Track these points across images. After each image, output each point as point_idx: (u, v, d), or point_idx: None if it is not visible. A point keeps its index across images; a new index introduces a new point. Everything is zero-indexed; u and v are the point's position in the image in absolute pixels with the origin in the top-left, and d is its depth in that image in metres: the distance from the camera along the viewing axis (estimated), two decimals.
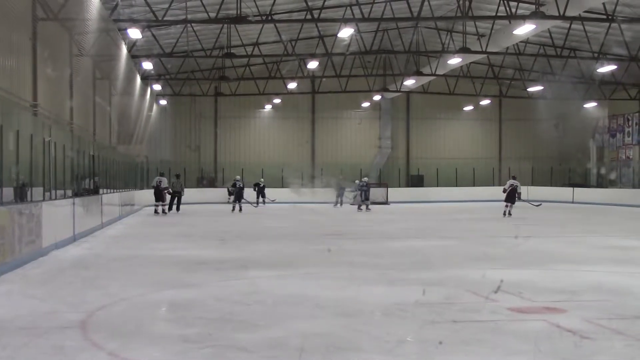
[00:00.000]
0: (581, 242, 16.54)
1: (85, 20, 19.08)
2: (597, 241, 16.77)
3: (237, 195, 31.43)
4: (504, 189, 26.97)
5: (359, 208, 33.61)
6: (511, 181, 27.05)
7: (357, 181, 39.34)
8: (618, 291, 9.22)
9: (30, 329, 7.04)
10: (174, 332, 6.89)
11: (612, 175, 42.43)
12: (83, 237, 17.12)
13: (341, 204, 36.68)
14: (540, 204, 29.59)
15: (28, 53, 19.83)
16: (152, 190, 29.42)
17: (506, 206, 26.61)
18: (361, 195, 34.58)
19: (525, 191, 42.22)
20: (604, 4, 24.86)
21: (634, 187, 39.72)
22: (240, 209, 31.11)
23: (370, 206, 32.91)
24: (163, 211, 28.55)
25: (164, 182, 29.12)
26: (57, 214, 14.75)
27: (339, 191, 37.25)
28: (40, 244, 13.10)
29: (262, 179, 39.37)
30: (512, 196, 26.46)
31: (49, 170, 14.77)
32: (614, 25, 27.40)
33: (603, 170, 43.49)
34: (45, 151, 14.40)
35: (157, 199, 28.85)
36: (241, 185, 31.76)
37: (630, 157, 42.36)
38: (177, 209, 29.79)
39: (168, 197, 29.14)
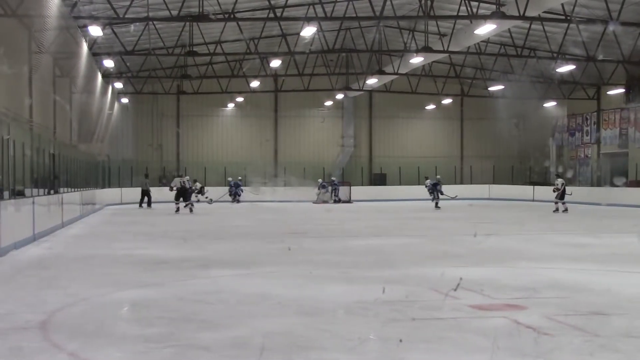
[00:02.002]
0: (540, 240, 16.74)
1: (44, 16, 18.80)
2: (555, 239, 17.00)
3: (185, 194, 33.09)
4: (556, 187, 28.70)
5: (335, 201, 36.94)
6: (560, 179, 29.03)
7: (319, 180, 39.67)
8: (576, 288, 9.36)
9: None
10: (135, 332, 6.84)
11: (570, 174, 43.03)
12: (43, 237, 16.91)
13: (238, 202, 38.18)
14: (571, 193, 30.27)
15: None
16: (173, 190, 29.98)
17: (556, 203, 28.54)
18: (333, 193, 37.77)
19: (487, 190, 43.02)
20: (562, 4, 25.21)
21: (591, 185, 40.33)
22: (190, 208, 32.36)
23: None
24: (190, 210, 29.22)
25: (187, 183, 29.89)
26: (16, 213, 14.54)
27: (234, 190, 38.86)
28: None
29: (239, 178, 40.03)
30: (563, 194, 28.41)
31: (8, 169, 14.55)
32: (572, 25, 27.83)
33: (562, 169, 44.08)
34: (4, 150, 14.18)
35: (184, 199, 29.39)
36: (189, 186, 33.06)
37: (589, 155, 43.00)
38: (149, 205, 33.45)
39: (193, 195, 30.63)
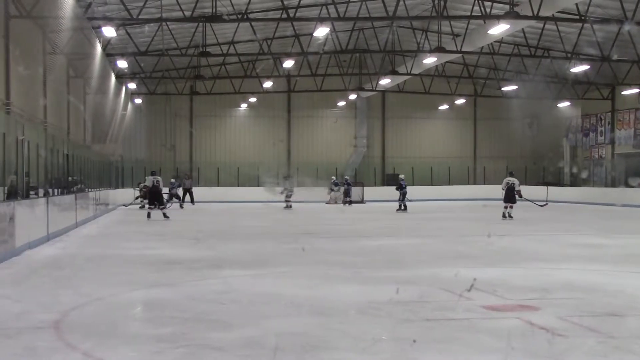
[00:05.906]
0: (554, 241, 16.66)
1: (58, 18, 18.91)
2: (569, 239, 16.91)
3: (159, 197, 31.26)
4: (502, 187, 24.02)
5: (344, 203, 36.45)
6: (508, 179, 24.09)
7: (333, 177, 39.56)
8: (590, 289, 9.31)
9: (1, 330, 6.97)
10: (148, 332, 6.85)
11: (584, 174, 42.83)
12: (57, 237, 16.98)
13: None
14: (546, 204, 28.37)
15: (0, 51, 19.65)
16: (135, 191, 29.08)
17: (505, 207, 23.74)
18: (346, 193, 37.17)
19: (500, 190, 42.76)
20: (576, 4, 25.09)
21: (606, 185, 40.13)
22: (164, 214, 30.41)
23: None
24: (165, 215, 24.08)
25: (161, 183, 25.06)
26: (30, 213, 14.61)
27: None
28: (13, 243, 12.97)
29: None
30: (510, 196, 23.55)
31: (22, 170, 14.62)
32: (586, 25, 27.70)
33: (576, 169, 43.90)
34: (19, 150, 14.25)
35: (158, 202, 24.64)
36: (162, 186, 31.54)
37: (603, 156, 42.78)
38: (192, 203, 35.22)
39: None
